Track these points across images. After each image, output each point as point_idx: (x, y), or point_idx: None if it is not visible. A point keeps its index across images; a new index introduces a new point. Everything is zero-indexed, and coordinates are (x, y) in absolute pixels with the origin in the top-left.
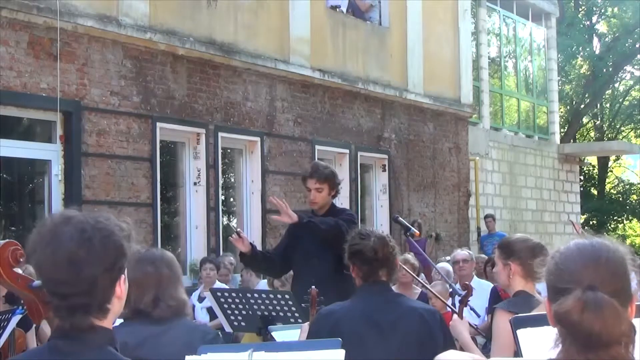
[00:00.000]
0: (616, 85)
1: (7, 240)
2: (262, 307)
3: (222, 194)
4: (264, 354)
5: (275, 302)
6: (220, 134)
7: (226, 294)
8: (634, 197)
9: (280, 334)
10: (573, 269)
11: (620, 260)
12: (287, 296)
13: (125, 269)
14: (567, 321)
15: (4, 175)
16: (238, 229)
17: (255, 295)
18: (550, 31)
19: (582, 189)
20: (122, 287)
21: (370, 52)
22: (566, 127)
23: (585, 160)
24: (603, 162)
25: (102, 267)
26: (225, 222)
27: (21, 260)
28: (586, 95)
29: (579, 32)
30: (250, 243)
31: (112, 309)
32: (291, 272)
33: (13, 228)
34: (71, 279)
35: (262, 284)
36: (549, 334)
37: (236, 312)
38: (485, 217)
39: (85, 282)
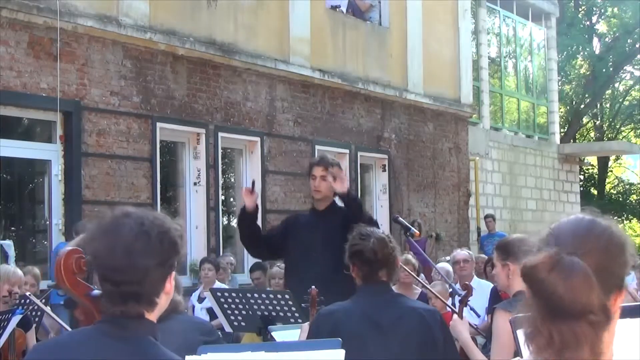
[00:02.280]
0: (616, 85)
1: (72, 247)
2: (262, 307)
3: (222, 194)
4: (264, 354)
5: (275, 302)
6: (220, 134)
7: (226, 294)
8: (634, 197)
9: (280, 334)
10: (562, 235)
11: (618, 241)
12: (287, 296)
13: (175, 266)
14: (531, 277)
15: (4, 175)
16: (254, 180)
17: (255, 295)
18: (550, 31)
19: (582, 189)
20: (171, 284)
21: (370, 52)
22: (566, 127)
23: (585, 160)
24: (603, 162)
25: (155, 260)
26: (225, 222)
27: (84, 268)
28: (586, 95)
29: (579, 32)
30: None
31: (160, 303)
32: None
33: (13, 228)
34: (126, 267)
35: None
36: None
37: (236, 312)
38: (485, 217)
39: (139, 272)
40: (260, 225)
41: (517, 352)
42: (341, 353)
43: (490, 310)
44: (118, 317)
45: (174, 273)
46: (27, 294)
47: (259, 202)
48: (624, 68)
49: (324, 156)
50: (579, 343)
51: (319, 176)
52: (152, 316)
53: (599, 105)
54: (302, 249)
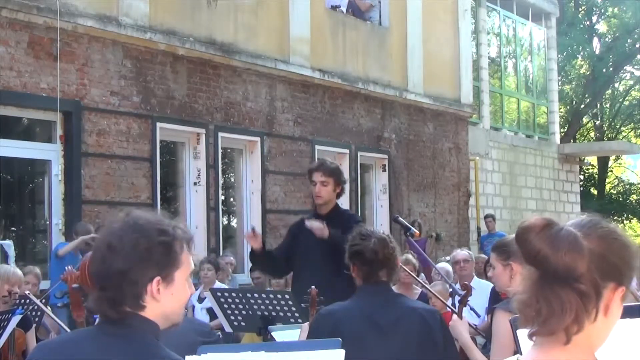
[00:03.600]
0: (616, 85)
1: None
2: (262, 307)
3: (222, 194)
4: (264, 354)
5: (275, 302)
6: (220, 134)
7: (226, 294)
8: (634, 197)
9: (280, 334)
10: (568, 226)
11: (620, 237)
12: (287, 296)
13: (168, 271)
14: (523, 239)
15: (4, 175)
16: (254, 226)
17: (255, 295)
18: (550, 31)
19: (582, 189)
20: (153, 288)
21: (370, 52)
22: (566, 127)
23: (585, 160)
24: (603, 162)
25: (128, 264)
26: (225, 222)
27: None
28: (586, 95)
29: (579, 32)
30: (263, 241)
31: (149, 306)
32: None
33: (13, 228)
34: (102, 271)
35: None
36: None
37: (236, 312)
38: (485, 217)
39: (113, 276)
40: (260, 226)
41: (518, 352)
42: (341, 353)
43: (490, 310)
44: (106, 317)
45: (158, 278)
46: (27, 292)
47: (259, 202)
48: (624, 68)
49: (323, 161)
50: (564, 309)
51: (319, 182)
52: (154, 316)
53: (599, 105)
54: (304, 254)
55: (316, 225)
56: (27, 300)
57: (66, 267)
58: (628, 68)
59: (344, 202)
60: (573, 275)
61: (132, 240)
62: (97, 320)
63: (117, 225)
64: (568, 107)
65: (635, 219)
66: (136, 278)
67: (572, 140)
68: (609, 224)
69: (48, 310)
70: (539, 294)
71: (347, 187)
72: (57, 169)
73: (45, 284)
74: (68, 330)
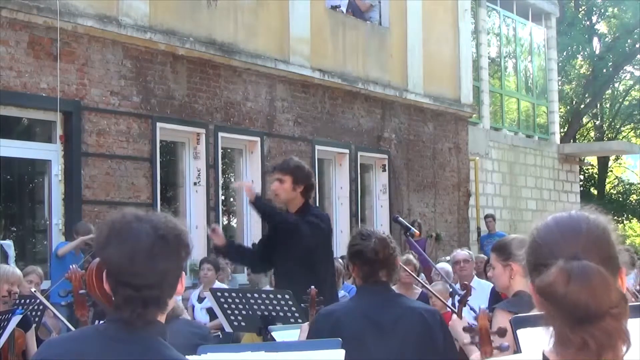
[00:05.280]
0: (616, 85)
1: None
2: (262, 307)
3: (222, 194)
4: (264, 354)
5: (275, 302)
6: (220, 134)
7: (226, 294)
8: (634, 197)
9: (280, 334)
10: (552, 242)
11: (602, 228)
12: (287, 296)
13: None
14: (551, 295)
15: (4, 175)
16: (214, 226)
17: (255, 295)
18: (550, 31)
19: (582, 189)
20: (182, 284)
21: (370, 52)
22: (566, 127)
23: (585, 160)
24: (603, 162)
25: (173, 263)
26: (225, 222)
27: None
28: (586, 95)
29: (579, 32)
30: (229, 239)
31: (170, 303)
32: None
33: (13, 228)
34: (147, 272)
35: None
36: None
37: (236, 312)
38: (485, 217)
39: (158, 276)
40: (260, 226)
41: (517, 352)
42: (341, 353)
43: (490, 311)
44: (134, 320)
45: (184, 273)
46: (33, 290)
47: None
48: (624, 68)
49: (283, 161)
50: (612, 340)
51: (275, 179)
52: (162, 317)
53: (599, 105)
54: (279, 255)
55: (247, 185)
56: (27, 300)
57: (70, 266)
58: (628, 68)
59: (344, 203)
60: (610, 306)
61: (174, 239)
62: (105, 320)
63: (146, 226)
64: (568, 107)
65: (635, 219)
66: (176, 275)
67: (572, 140)
68: (579, 217)
69: (53, 308)
70: (581, 331)
71: (347, 187)
72: (57, 169)
73: (45, 284)
74: (72, 328)
